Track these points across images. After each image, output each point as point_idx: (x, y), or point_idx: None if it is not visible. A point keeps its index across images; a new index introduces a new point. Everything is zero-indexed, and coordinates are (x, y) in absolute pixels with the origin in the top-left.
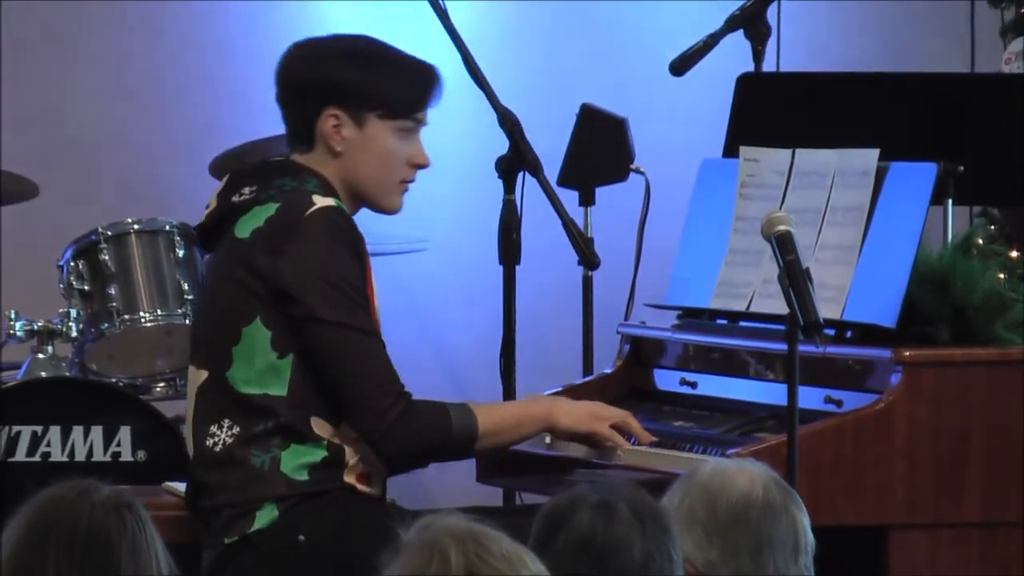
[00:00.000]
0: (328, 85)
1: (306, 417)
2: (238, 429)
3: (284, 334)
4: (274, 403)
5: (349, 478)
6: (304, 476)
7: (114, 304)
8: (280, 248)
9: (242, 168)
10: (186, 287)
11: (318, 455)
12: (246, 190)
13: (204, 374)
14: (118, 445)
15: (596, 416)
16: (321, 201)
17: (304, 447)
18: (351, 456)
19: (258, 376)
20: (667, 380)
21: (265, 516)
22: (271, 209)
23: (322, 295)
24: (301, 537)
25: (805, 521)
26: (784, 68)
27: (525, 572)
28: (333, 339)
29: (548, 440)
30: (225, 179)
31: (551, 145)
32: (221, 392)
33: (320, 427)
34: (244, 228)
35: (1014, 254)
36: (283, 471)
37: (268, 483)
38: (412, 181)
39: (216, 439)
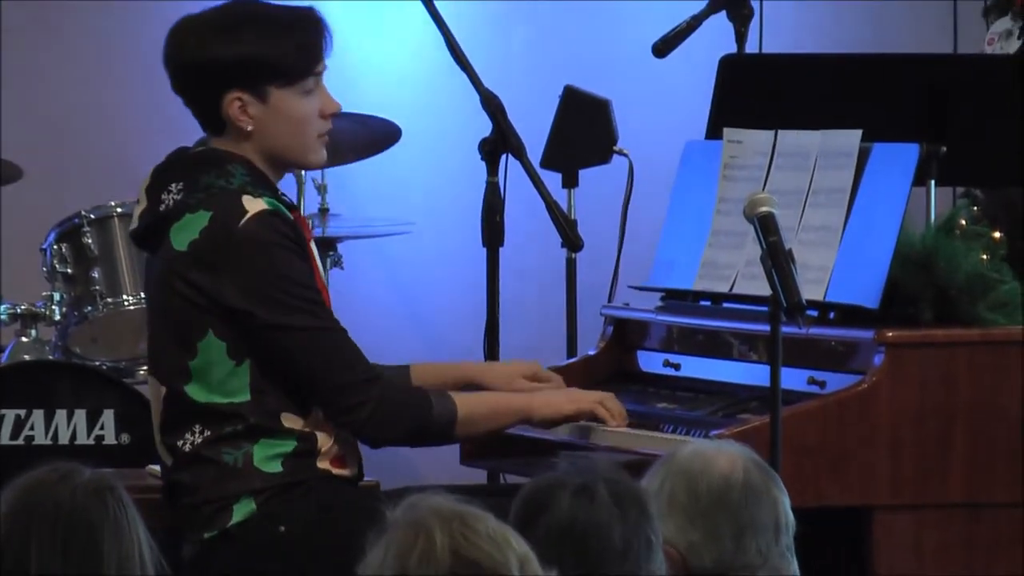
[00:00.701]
0: (221, 69)
1: (274, 415)
2: (208, 432)
3: (239, 342)
4: (239, 409)
5: (323, 463)
6: (278, 467)
7: (97, 287)
8: (219, 265)
9: (166, 162)
10: None
11: (289, 446)
12: (173, 187)
13: (162, 388)
14: (101, 428)
15: (573, 401)
16: (252, 205)
17: (275, 440)
18: (324, 442)
19: (219, 387)
20: (651, 362)
21: (243, 509)
22: (204, 219)
23: (272, 303)
24: (281, 528)
25: (786, 501)
26: (767, 50)
27: (510, 552)
28: (293, 344)
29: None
30: (150, 174)
31: (534, 127)
32: (184, 405)
33: (290, 420)
34: (180, 239)
35: (997, 235)
36: (256, 465)
37: (242, 478)
38: (329, 129)
39: (186, 441)
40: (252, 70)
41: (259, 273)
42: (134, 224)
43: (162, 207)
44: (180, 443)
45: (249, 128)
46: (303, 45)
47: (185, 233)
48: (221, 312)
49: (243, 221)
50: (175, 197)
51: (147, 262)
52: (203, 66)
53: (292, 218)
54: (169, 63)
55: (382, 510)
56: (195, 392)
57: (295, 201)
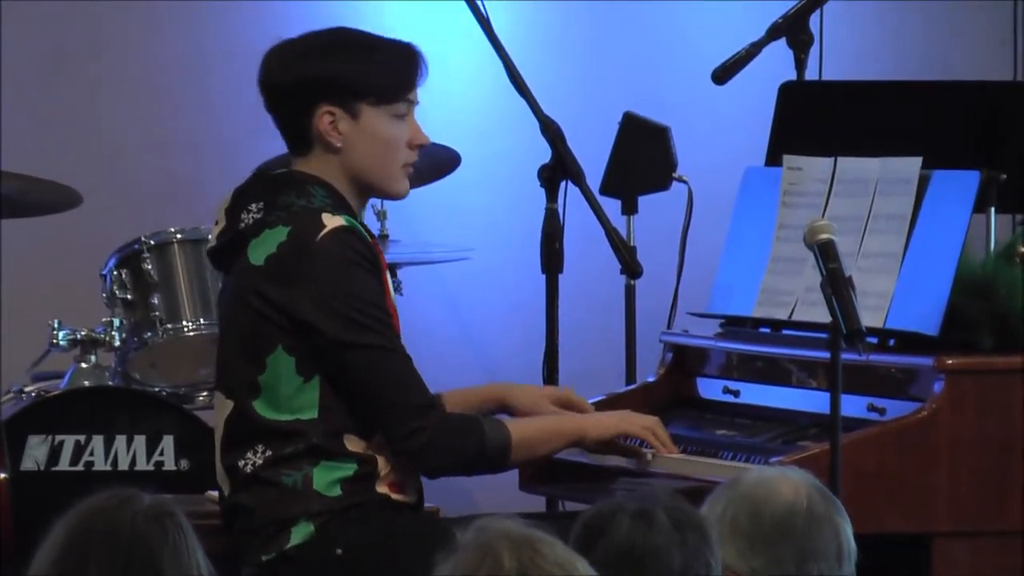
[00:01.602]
0: (316, 83)
1: (338, 435)
2: (270, 452)
3: (308, 359)
4: (306, 427)
5: (382, 488)
6: (337, 491)
7: (157, 313)
8: (294, 279)
9: (245, 184)
10: None
11: (350, 469)
12: (252, 207)
13: (230, 404)
14: (161, 454)
15: (624, 420)
16: (331, 222)
17: (335, 463)
18: (383, 466)
19: (287, 402)
20: (710, 388)
21: (301, 532)
22: (282, 233)
23: (343, 320)
24: (339, 551)
25: (848, 529)
26: (826, 76)
27: None
28: (360, 362)
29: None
30: (229, 195)
31: (593, 154)
32: (249, 421)
33: (352, 443)
34: (257, 254)
35: None
36: (316, 488)
37: (302, 500)
38: (415, 162)
39: (247, 462)
40: (345, 85)
41: (332, 288)
42: (211, 243)
43: (241, 226)
44: (241, 463)
45: (338, 144)
46: (398, 69)
47: (262, 248)
48: (292, 326)
49: (321, 235)
50: (255, 216)
51: (222, 281)
52: (296, 81)
53: (368, 238)
54: (263, 80)
55: (441, 536)
56: (262, 408)
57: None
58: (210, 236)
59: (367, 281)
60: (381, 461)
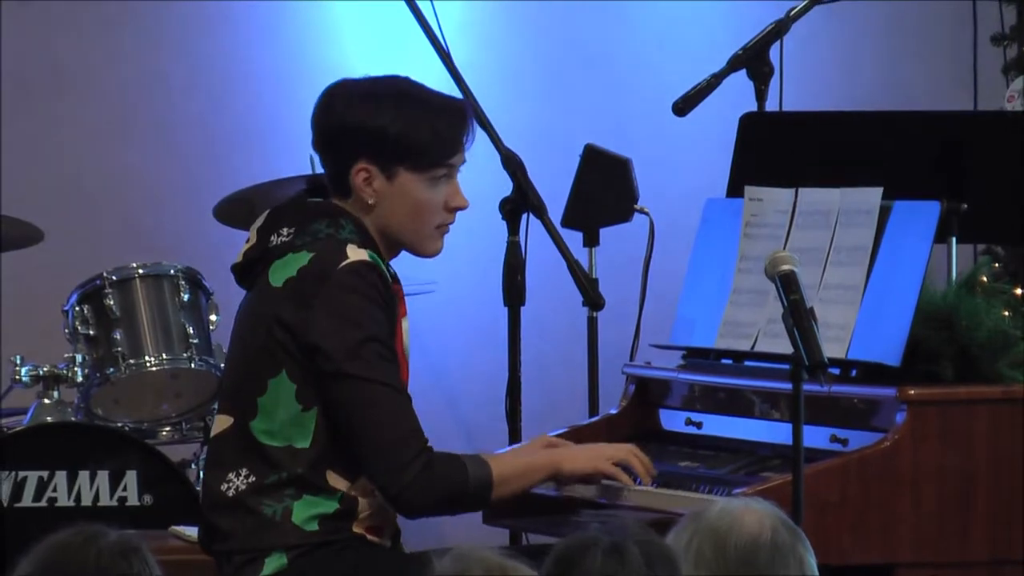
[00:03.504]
0: (357, 138)
1: (323, 470)
2: (254, 478)
3: (309, 388)
4: (296, 455)
5: (359, 528)
6: (314, 526)
7: (119, 349)
8: (310, 302)
9: (283, 205)
10: (191, 331)
11: (331, 507)
12: (284, 231)
13: (228, 420)
14: (124, 489)
15: (599, 456)
16: (354, 254)
17: (317, 498)
18: (364, 508)
19: (281, 428)
20: (673, 420)
21: (274, 563)
22: (304, 259)
23: (349, 350)
24: None
25: (812, 561)
26: (787, 107)
27: None
28: (358, 394)
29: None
30: (265, 215)
31: (555, 186)
32: (242, 441)
33: (336, 480)
34: (278, 275)
35: (1019, 292)
36: (294, 521)
37: (279, 532)
38: (451, 223)
39: (231, 484)
40: (385, 145)
41: (342, 317)
42: (238, 259)
43: (270, 245)
44: (224, 487)
45: (371, 202)
46: (442, 134)
47: (284, 271)
48: (298, 350)
49: (342, 264)
50: (283, 239)
51: (242, 302)
52: (341, 130)
53: (388, 275)
54: (314, 121)
55: (409, 570)
56: (258, 430)
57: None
58: (240, 252)
59: (378, 316)
60: (362, 503)
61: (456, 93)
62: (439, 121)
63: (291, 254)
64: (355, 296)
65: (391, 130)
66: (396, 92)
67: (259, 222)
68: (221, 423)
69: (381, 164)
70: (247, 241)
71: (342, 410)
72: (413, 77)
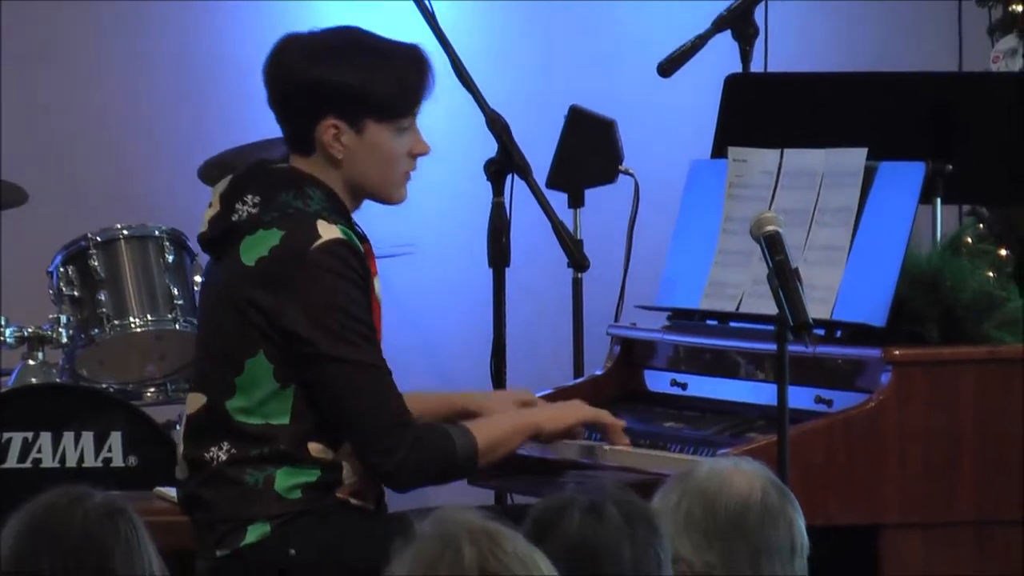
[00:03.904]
0: (324, 93)
1: (304, 443)
2: (235, 451)
3: (287, 367)
4: (275, 431)
5: (341, 494)
6: (297, 495)
7: (104, 310)
8: (284, 287)
9: (247, 171)
10: (176, 292)
11: (313, 475)
12: (248, 199)
13: (203, 399)
14: (109, 451)
15: (577, 409)
16: (326, 231)
17: (299, 468)
18: (347, 475)
19: (259, 406)
20: (658, 381)
21: (256, 531)
22: (275, 237)
23: (327, 333)
24: (292, 551)
25: (801, 523)
26: (772, 68)
27: (537, 573)
28: (340, 376)
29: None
30: (227, 180)
31: (540, 147)
32: (219, 419)
33: (318, 451)
34: (250, 254)
35: (1003, 253)
36: (277, 490)
37: (261, 501)
38: (414, 169)
39: (212, 456)
40: (352, 99)
41: (320, 300)
42: (203, 227)
43: (235, 216)
44: (207, 456)
45: (339, 156)
46: (408, 83)
47: (255, 249)
48: (275, 333)
49: (315, 246)
50: (250, 210)
51: (207, 269)
52: (303, 87)
53: (362, 251)
54: (271, 78)
55: (393, 531)
56: (235, 409)
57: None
58: (204, 219)
59: (356, 296)
60: (345, 470)
61: (440, 56)
62: (404, 71)
63: (261, 231)
64: (330, 277)
65: (358, 84)
66: (354, 44)
67: (222, 187)
68: (195, 401)
69: (349, 119)
70: (210, 206)
71: (326, 393)
72: (361, 27)
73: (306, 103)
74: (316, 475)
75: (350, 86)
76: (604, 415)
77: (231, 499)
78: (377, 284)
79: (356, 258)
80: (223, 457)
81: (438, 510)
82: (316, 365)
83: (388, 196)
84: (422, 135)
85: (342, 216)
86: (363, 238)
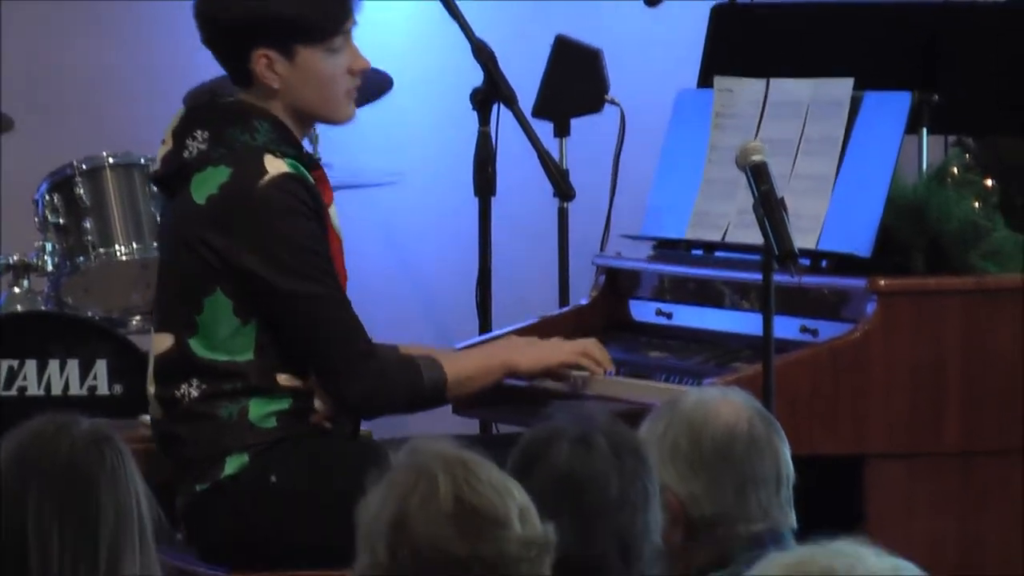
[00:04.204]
0: (250, 25)
1: (272, 376)
2: (206, 387)
3: (246, 302)
4: (241, 367)
5: (316, 419)
6: (272, 423)
7: (89, 238)
8: (235, 227)
9: (195, 107)
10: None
11: (285, 403)
12: (199, 134)
13: (169, 338)
14: (94, 379)
15: (556, 351)
16: (273, 166)
17: (271, 398)
18: (319, 401)
19: (223, 343)
20: (643, 311)
21: (235, 463)
22: (224, 174)
23: (281, 269)
24: (273, 478)
25: (787, 453)
26: None
27: (511, 502)
28: (299, 311)
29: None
30: (178, 115)
31: (526, 77)
32: (186, 357)
33: (287, 381)
34: (200, 191)
35: (989, 183)
36: (251, 420)
37: (236, 433)
38: (358, 85)
39: (183, 394)
40: (280, 29)
41: (272, 237)
42: (156, 165)
43: (186, 153)
44: (177, 394)
45: (276, 86)
46: (331, 4)
47: (205, 187)
48: (231, 272)
49: (262, 182)
50: (199, 146)
51: (164, 206)
52: (232, 23)
53: (312, 181)
54: (199, 17)
55: (374, 459)
56: (198, 347)
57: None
58: (157, 156)
59: (307, 228)
60: (317, 396)
61: None
62: None
63: (210, 167)
64: (280, 213)
65: (282, 12)
66: None
67: (173, 124)
68: (162, 341)
69: (279, 47)
70: (163, 143)
71: (287, 328)
72: None
73: (235, 38)
74: (288, 403)
75: (275, 15)
76: (584, 360)
77: (206, 433)
78: (333, 212)
79: (306, 190)
80: (194, 394)
81: (412, 440)
82: (274, 302)
83: (333, 117)
84: (359, 50)
85: (291, 145)
86: (315, 165)
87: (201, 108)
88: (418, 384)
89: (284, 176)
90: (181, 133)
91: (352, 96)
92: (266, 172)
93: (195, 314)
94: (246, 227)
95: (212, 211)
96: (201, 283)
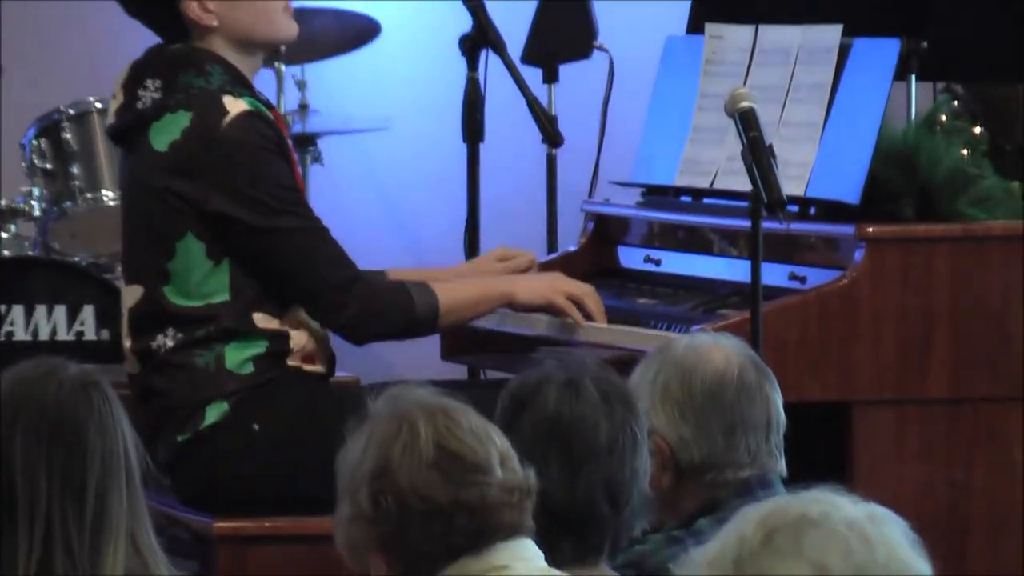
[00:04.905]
0: None
1: (249, 316)
2: (181, 336)
3: (218, 242)
4: (217, 310)
5: (294, 361)
6: (249, 368)
7: (77, 183)
8: (202, 171)
9: (143, 58)
10: None
11: (261, 346)
12: (150, 84)
13: (139, 290)
14: (81, 324)
15: (555, 288)
16: (233, 106)
17: (247, 341)
18: (296, 341)
19: (197, 288)
20: (631, 258)
21: (215, 411)
22: (184, 119)
23: (256, 208)
24: (255, 427)
25: (778, 400)
26: None
27: (492, 447)
28: (278, 246)
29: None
30: (126, 69)
31: (514, 22)
32: (159, 307)
33: (264, 321)
34: (159, 139)
35: (978, 130)
36: (228, 367)
37: (215, 381)
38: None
39: (159, 345)
40: None
41: (243, 177)
42: (110, 119)
43: (139, 104)
44: (153, 345)
45: (214, 23)
46: None
47: (165, 134)
48: (202, 216)
49: (225, 123)
50: (153, 95)
51: (122, 160)
52: None
53: (272, 118)
54: None
55: (357, 404)
56: (172, 294)
57: (274, 99)
58: (110, 111)
59: (275, 164)
60: (294, 337)
61: None
62: None
63: (168, 114)
64: (247, 151)
65: None
66: None
67: (122, 77)
68: (133, 293)
69: None
70: (113, 98)
71: (268, 265)
72: None
73: None
74: (264, 346)
75: None
76: (584, 297)
77: (184, 384)
78: (293, 155)
79: (269, 127)
80: (170, 344)
81: (391, 388)
82: (251, 240)
83: (276, 36)
84: None
85: (245, 87)
86: (269, 105)
87: (150, 58)
88: (410, 308)
89: (246, 114)
90: (132, 84)
91: (290, 12)
92: (227, 112)
93: (166, 262)
94: (215, 170)
95: (176, 157)
96: (171, 229)
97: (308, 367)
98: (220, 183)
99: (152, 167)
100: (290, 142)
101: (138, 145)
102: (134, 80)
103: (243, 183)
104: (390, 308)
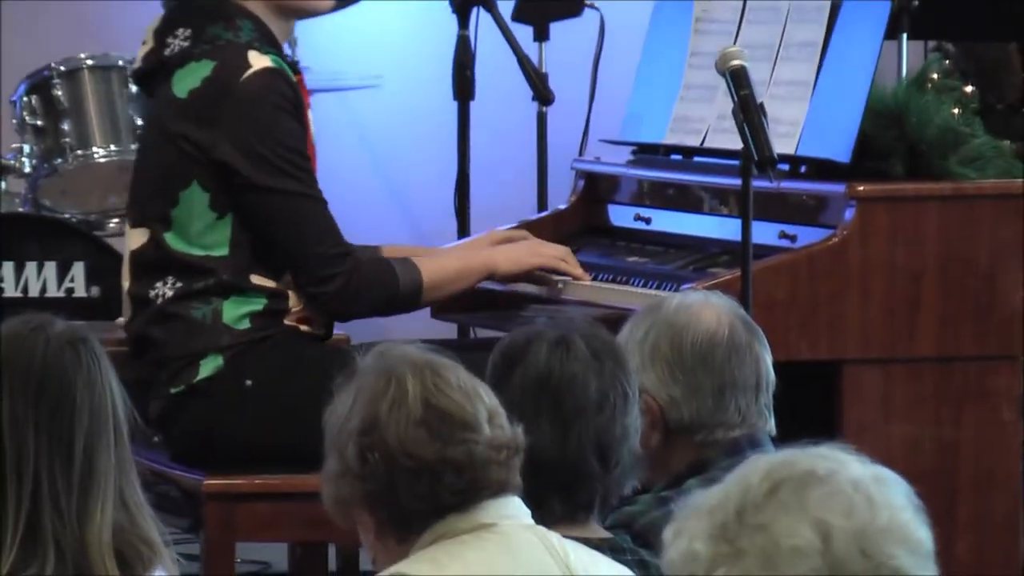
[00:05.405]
0: None
1: (247, 274)
2: (180, 284)
3: (223, 195)
4: (216, 264)
5: (290, 321)
6: (246, 324)
7: (67, 140)
8: (216, 119)
9: (176, 6)
10: (139, 123)
11: (259, 303)
12: (180, 32)
13: (145, 234)
14: (72, 281)
15: (533, 252)
16: (257, 61)
17: (245, 297)
18: (294, 302)
19: (198, 238)
20: (621, 216)
21: (210, 364)
22: (207, 68)
23: (261, 164)
24: (248, 382)
25: (768, 360)
26: None
27: (480, 404)
28: (276, 206)
29: None
30: (160, 17)
31: None
32: (161, 252)
33: (261, 280)
34: (181, 86)
35: (968, 89)
36: (225, 321)
37: (211, 334)
38: None
39: (158, 293)
40: None
41: (253, 130)
42: (137, 64)
43: (167, 51)
44: (152, 294)
45: None
46: None
47: (187, 81)
48: (209, 164)
49: (245, 76)
50: (181, 43)
51: (144, 107)
52: None
53: (295, 81)
54: None
55: (349, 362)
56: (173, 241)
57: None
58: (137, 56)
59: (289, 125)
60: (292, 297)
61: None
62: None
63: (192, 63)
64: (262, 107)
65: None
66: None
67: (154, 24)
68: (137, 237)
69: None
70: (143, 43)
71: (263, 223)
72: None
73: None
74: (263, 303)
75: None
76: (559, 262)
77: (180, 335)
78: (310, 115)
79: (289, 87)
80: (168, 293)
81: (379, 345)
82: (251, 196)
83: (312, 7)
84: None
85: (273, 46)
86: (296, 69)
87: (183, 7)
88: (393, 285)
89: (268, 70)
90: (162, 32)
91: None
92: (250, 66)
93: (170, 208)
94: (228, 119)
95: (194, 104)
96: (178, 175)
97: (304, 328)
98: (229, 133)
99: (169, 112)
100: (310, 113)
101: (161, 90)
102: (165, 28)
103: (251, 136)
104: (374, 285)
